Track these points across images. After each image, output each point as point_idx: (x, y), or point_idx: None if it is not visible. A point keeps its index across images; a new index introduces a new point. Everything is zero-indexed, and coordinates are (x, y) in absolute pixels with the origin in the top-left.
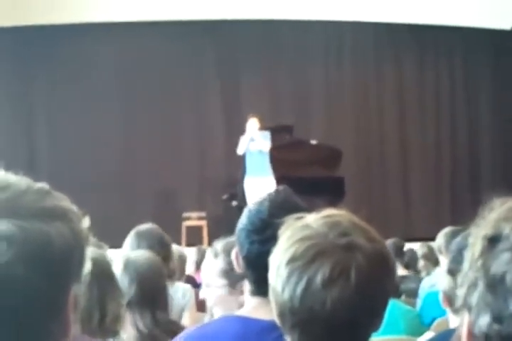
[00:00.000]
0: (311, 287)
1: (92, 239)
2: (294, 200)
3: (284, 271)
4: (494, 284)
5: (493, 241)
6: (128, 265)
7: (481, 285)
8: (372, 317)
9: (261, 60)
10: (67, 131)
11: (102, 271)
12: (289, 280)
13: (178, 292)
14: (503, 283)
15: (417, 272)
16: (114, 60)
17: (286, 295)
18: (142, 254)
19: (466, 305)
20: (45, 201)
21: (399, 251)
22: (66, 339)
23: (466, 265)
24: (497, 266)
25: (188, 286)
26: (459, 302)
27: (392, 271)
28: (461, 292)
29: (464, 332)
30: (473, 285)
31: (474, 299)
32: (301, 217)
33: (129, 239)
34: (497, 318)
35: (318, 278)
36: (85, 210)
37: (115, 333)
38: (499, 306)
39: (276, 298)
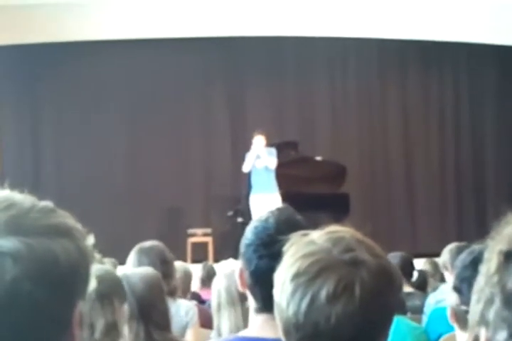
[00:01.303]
0: (315, 302)
1: (100, 257)
2: (296, 218)
3: (288, 287)
4: (511, 300)
5: (509, 256)
6: (122, 280)
7: (497, 302)
8: (378, 333)
9: (266, 77)
10: (73, 147)
11: (111, 289)
12: (294, 296)
13: (181, 309)
14: None
15: (425, 290)
16: (121, 77)
17: (291, 310)
18: (140, 270)
19: (483, 321)
20: (50, 219)
21: (407, 266)
22: None
23: (481, 280)
24: None
25: (191, 303)
26: (472, 318)
27: (397, 286)
28: (476, 308)
29: None
30: (489, 301)
31: (491, 315)
32: (306, 234)
33: (131, 256)
34: None
35: (323, 294)
36: (91, 227)
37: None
38: None
39: (281, 314)
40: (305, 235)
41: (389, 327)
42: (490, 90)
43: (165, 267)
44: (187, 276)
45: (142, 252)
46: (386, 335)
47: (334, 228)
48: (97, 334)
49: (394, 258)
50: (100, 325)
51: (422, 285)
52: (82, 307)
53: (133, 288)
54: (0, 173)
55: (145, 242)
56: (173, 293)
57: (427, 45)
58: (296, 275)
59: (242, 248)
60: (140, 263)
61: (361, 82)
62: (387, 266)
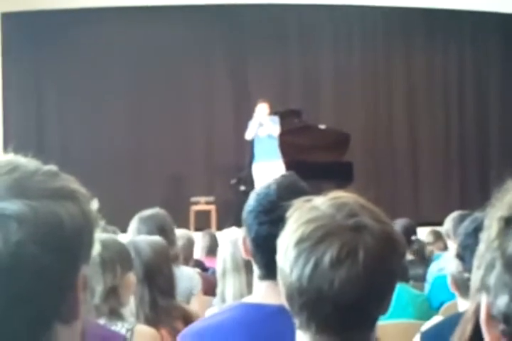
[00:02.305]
0: (319, 267)
1: (104, 224)
2: (300, 184)
3: (291, 253)
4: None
5: (509, 222)
6: (128, 244)
7: (498, 266)
8: (380, 299)
9: (269, 45)
10: (77, 115)
11: (120, 255)
12: (297, 261)
13: (184, 276)
14: None
15: (424, 258)
16: (123, 45)
17: (295, 275)
18: (148, 237)
19: (484, 287)
20: (55, 182)
21: (410, 234)
22: (77, 320)
23: (482, 246)
24: None
25: (194, 271)
26: (474, 284)
27: (400, 252)
28: (477, 274)
29: (482, 314)
30: (490, 267)
31: (492, 280)
32: (309, 200)
33: (132, 224)
34: None
35: (326, 259)
36: (94, 194)
37: (122, 315)
38: None
39: (285, 280)
40: (308, 201)
41: (392, 294)
42: (494, 58)
43: (163, 235)
44: (190, 244)
45: (141, 220)
46: (389, 301)
47: (337, 194)
48: (96, 299)
49: (398, 224)
50: (99, 290)
51: (420, 253)
52: (86, 271)
53: (139, 253)
54: (3, 138)
55: (145, 210)
56: (174, 261)
57: (431, 13)
58: (300, 241)
59: (244, 214)
60: (139, 232)
61: (365, 50)
62: (391, 232)
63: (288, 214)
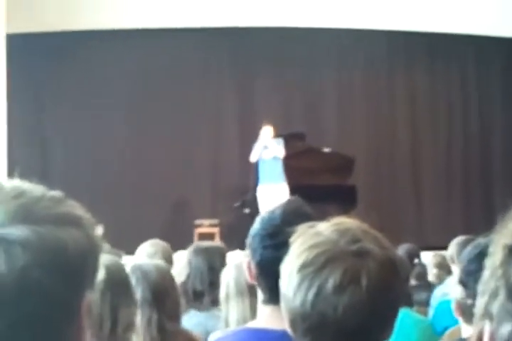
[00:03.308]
0: (322, 293)
1: (109, 247)
2: (305, 209)
3: (295, 278)
4: None
5: None
6: (134, 268)
7: (502, 295)
8: (383, 324)
9: (275, 68)
10: (80, 140)
11: (116, 279)
12: (301, 287)
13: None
14: None
15: (428, 283)
16: (128, 67)
17: (298, 300)
18: (152, 261)
19: (488, 314)
20: (60, 208)
21: (413, 259)
22: None
23: (486, 273)
24: None
25: None
26: (478, 311)
27: (403, 277)
28: (481, 301)
29: None
30: (494, 295)
31: (495, 308)
32: (313, 225)
33: (186, 254)
34: None
35: (330, 285)
36: (99, 218)
37: (127, 340)
38: None
39: (288, 305)
40: (312, 226)
41: (395, 319)
42: (497, 82)
43: (212, 274)
44: None
45: (196, 252)
46: (392, 327)
47: (341, 220)
48: (105, 327)
49: (401, 249)
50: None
51: (423, 277)
52: (91, 296)
53: (146, 275)
54: (8, 164)
55: (202, 242)
56: (214, 303)
57: (434, 37)
58: (303, 266)
59: (249, 238)
60: (189, 263)
61: (369, 74)
62: (394, 257)
63: (292, 239)
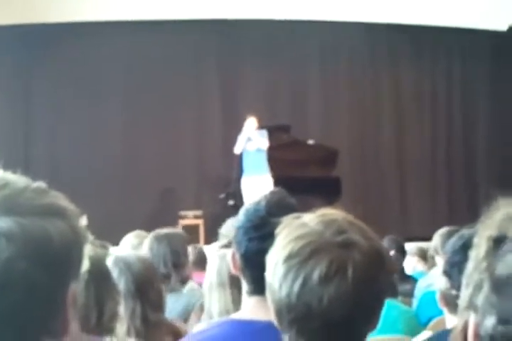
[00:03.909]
0: (308, 284)
1: (95, 239)
2: (289, 201)
3: (280, 269)
4: (499, 286)
5: (497, 242)
6: (117, 259)
7: (486, 287)
8: (369, 315)
9: (259, 60)
10: (66, 130)
11: (99, 269)
12: (286, 278)
13: (189, 291)
14: (509, 285)
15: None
16: (114, 59)
17: (284, 292)
18: (135, 253)
19: (472, 306)
20: (44, 199)
21: (400, 247)
22: (66, 335)
23: (470, 265)
24: (502, 268)
25: (197, 286)
26: (462, 302)
27: (388, 268)
28: (466, 293)
29: (470, 333)
30: (478, 287)
31: (480, 300)
32: (298, 217)
33: (146, 241)
34: (502, 320)
35: (315, 275)
36: (84, 209)
37: (112, 330)
38: (504, 308)
39: (274, 296)
40: (297, 218)
41: (380, 310)
42: (482, 75)
43: (175, 257)
44: None
45: (156, 239)
46: (377, 318)
47: (326, 211)
48: (92, 318)
49: (387, 241)
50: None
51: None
52: (76, 287)
53: (130, 267)
54: None
55: (162, 229)
56: (183, 282)
57: (419, 30)
58: (289, 257)
59: (233, 230)
60: (151, 250)
61: (353, 67)
62: (379, 248)
63: (277, 230)
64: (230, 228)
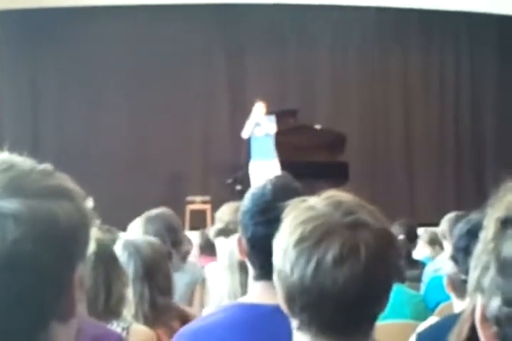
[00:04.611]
0: (321, 266)
1: (101, 224)
2: (295, 185)
3: (292, 253)
4: (505, 267)
5: (505, 223)
6: (127, 243)
7: (492, 269)
8: (381, 295)
9: (267, 44)
10: (74, 113)
11: (106, 252)
12: (299, 261)
13: (190, 268)
14: None
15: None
16: (122, 43)
17: (296, 275)
18: (145, 237)
19: (479, 288)
20: (50, 181)
21: (411, 231)
22: (73, 318)
23: (479, 248)
24: (508, 249)
25: (198, 262)
26: (470, 285)
27: (398, 248)
28: (473, 275)
29: (477, 315)
30: (485, 269)
31: (486, 282)
32: (304, 200)
33: (137, 224)
34: (507, 301)
35: (329, 257)
36: (90, 193)
37: (119, 314)
38: (509, 289)
39: (284, 280)
40: (303, 201)
41: (390, 290)
42: (490, 59)
43: (172, 235)
44: (187, 241)
45: (148, 220)
46: (387, 298)
47: (332, 193)
48: (100, 300)
49: (398, 225)
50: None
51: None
52: (83, 269)
53: (139, 251)
54: None
55: (152, 210)
56: (184, 259)
57: (427, 14)
58: (300, 241)
59: (239, 215)
60: (146, 232)
61: (362, 51)
62: (388, 228)
63: (283, 214)
64: (225, 212)
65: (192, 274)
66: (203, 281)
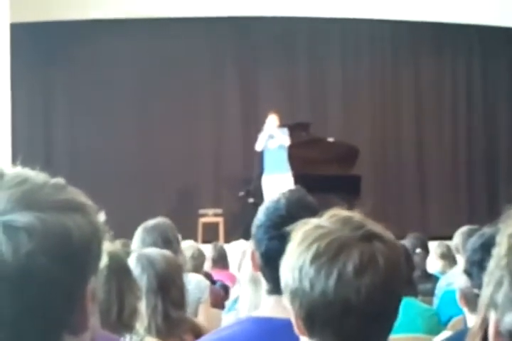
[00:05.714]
0: (343, 277)
1: (117, 238)
2: (309, 199)
3: (310, 269)
4: None
5: None
6: (140, 256)
7: (506, 284)
8: (397, 305)
9: (279, 57)
10: (86, 127)
11: (119, 265)
12: (319, 276)
13: (192, 283)
14: None
15: (427, 273)
16: (133, 56)
17: (318, 290)
18: (159, 250)
19: (493, 304)
20: (62, 194)
21: (423, 245)
22: (85, 331)
23: (492, 264)
24: None
25: (203, 278)
26: (483, 300)
27: (411, 261)
28: (487, 290)
29: (491, 331)
30: (498, 284)
31: (500, 297)
32: (307, 222)
33: (136, 234)
34: None
35: (350, 268)
36: (102, 207)
37: (132, 328)
38: None
39: (303, 298)
40: (306, 223)
41: (401, 300)
42: (503, 72)
43: (168, 245)
44: (199, 254)
45: (145, 230)
46: (399, 309)
47: (335, 211)
48: (113, 313)
49: (411, 239)
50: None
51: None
52: (95, 282)
53: (153, 263)
54: (12, 151)
55: (149, 220)
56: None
57: (440, 27)
58: (316, 257)
59: (253, 229)
60: (143, 242)
61: (374, 64)
62: (397, 241)
63: (291, 236)
64: None
65: (193, 294)
66: (207, 301)
